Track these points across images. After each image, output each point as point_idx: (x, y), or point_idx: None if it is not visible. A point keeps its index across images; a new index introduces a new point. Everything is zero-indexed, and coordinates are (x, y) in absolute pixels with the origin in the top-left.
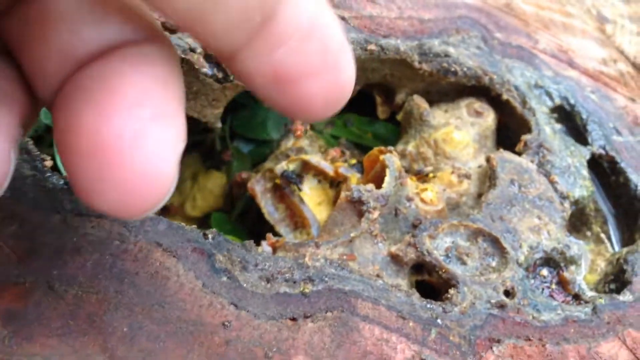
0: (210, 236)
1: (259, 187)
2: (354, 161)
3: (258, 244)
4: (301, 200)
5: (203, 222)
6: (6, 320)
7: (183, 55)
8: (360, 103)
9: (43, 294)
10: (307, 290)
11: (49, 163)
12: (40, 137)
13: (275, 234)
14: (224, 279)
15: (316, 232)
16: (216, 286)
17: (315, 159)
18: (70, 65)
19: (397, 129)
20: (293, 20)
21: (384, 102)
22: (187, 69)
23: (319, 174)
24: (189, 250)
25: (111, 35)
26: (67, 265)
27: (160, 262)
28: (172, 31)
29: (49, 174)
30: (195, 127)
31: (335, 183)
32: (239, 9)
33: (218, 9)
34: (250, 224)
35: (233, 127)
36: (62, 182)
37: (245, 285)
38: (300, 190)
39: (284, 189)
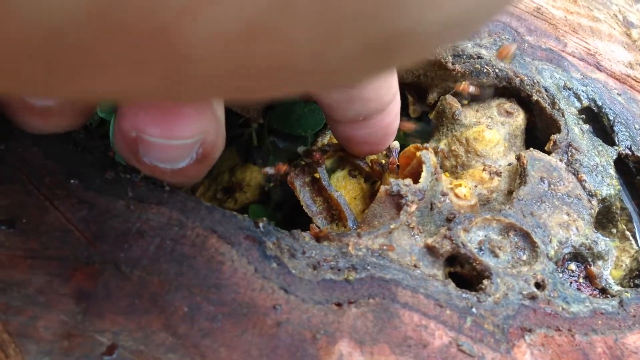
0: (260, 225)
1: (298, 181)
2: (384, 161)
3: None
4: (339, 194)
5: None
6: (78, 298)
7: None
8: None
9: (111, 274)
10: (351, 278)
11: (111, 154)
12: (94, 129)
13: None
14: (274, 265)
15: (352, 224)
16: (267, 271)
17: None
18: None
19: (428, 127)
20: (382, 120)
21: (416, 101)
22: None
23: (355, 169)
24: (241, 237)
25: None
26: (132, 248)
27: (215, 248)
28: None
29: (111, 163)
30: (234, 123)
31: (370, 179)
32: (369, 111)
33: (359, 106)
34: (285, 216)
35: (270, 122)
36: (123, 170)
37: (293, 271)
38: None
39: (323, 181)
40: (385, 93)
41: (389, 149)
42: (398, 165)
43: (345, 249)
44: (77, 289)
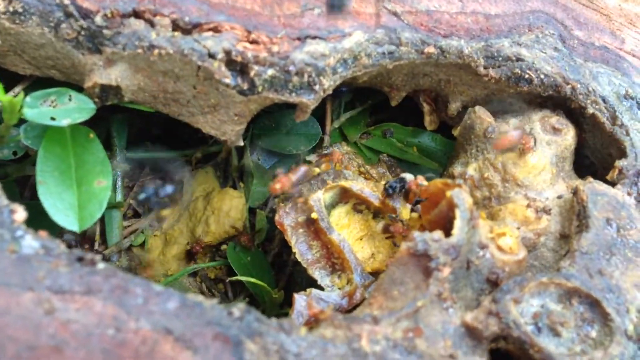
0: (237, 313)
1: (288, 221)
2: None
3: (280, 277)
4: (341, 238)
5: (217, 250)
6: None
7: (200, 63)
8: (402, 111)
9: None
10: None
11: (20, 216)
12: (20, 159)
13: (309, 281)
14: None
15: (359, 278)
16: None
17: (358, 185)
18: None
19: (447, 142)
20: None
21: (433, 110)
22: (204, 78)
23: (362, 202)
24: (209, 337)
25: None
26: None
27: (170, 359)
28: (187, 31)
29: (20, 233)
30: (209, 137)
31: (379, 214)
32: None
33: None
34: (275, 257)
35: (253, 137)
36: (38, 244)
37: None
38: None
39: (321, 222)
40: None
41: (401, 180)
42: (416, 201)
43: (356, 342)
44: None
